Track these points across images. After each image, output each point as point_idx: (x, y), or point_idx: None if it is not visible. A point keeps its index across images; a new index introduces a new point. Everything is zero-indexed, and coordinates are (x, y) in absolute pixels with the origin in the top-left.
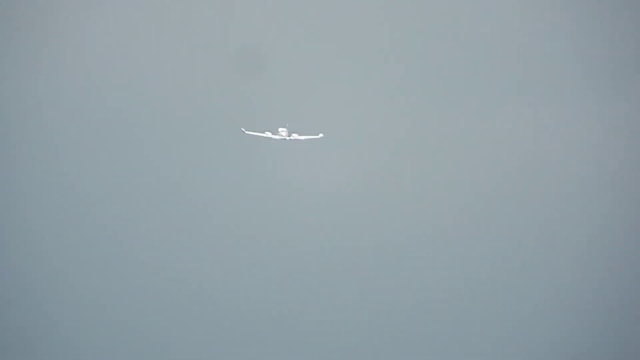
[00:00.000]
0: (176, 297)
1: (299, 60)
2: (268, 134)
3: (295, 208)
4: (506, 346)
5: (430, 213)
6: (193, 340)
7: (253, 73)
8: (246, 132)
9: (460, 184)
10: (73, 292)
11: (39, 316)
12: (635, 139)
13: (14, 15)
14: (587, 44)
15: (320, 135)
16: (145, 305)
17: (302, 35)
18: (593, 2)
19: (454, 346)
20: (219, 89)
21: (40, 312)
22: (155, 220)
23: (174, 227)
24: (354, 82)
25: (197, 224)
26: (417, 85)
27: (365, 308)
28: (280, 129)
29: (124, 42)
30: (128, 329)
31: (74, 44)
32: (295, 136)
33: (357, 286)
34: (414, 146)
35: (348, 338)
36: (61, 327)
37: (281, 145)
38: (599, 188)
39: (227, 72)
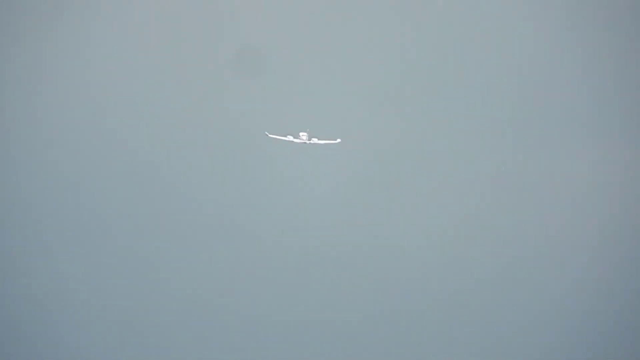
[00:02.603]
0: (180, 298)
1: (318, 67)
2: (290, 138)
3: (302, 211)
4: (504, 346)
5: (440, 217)
6: (198, 342)
7: (262, 80)
8: (269, 135)
9: (468, 192)
10: (76, 294)
11: (39, 317)
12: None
13: (13, 16)
14: (594, 79)
15: (338, 140)
16: (159, 307)
17: (323, 40)
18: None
19: (455, 348)
20: (229, 93)
21: (40, 313)
22: (160, 224)
23: (179, 230)
24: (370, 89)
25: (204, 228)
26: (428, 93)
27: (377, 307)
28: (301, 133)
29: (128, 43)
30: (130, 330)
31: (77, 46)
32: (315, 140)
33: (366, 286)
34: (421, 152)
35: (353, 339)
36: (61, 329)
37: (290, 151)
38: (600, 194)
39: (232, 79)
